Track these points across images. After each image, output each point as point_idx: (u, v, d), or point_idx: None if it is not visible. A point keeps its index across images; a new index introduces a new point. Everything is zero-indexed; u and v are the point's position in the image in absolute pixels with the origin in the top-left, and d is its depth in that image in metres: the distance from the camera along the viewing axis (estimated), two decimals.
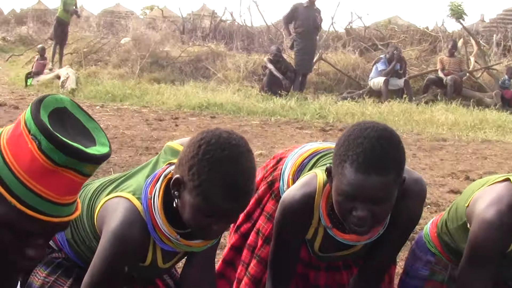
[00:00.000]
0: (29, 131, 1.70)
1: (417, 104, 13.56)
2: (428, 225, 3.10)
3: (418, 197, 2.68)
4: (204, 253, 2.56)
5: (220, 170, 2.10)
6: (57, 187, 1.73)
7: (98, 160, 1.77)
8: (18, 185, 1.70)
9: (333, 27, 23.24)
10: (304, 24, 14.68)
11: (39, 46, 17.55)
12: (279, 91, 14.03)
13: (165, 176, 2.34)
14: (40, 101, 1.75)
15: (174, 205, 2.26)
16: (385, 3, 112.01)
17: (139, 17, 38.60)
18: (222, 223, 2.23)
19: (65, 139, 1.69)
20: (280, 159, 3.13)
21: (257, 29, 25.04)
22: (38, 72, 15.83)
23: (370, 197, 2.34)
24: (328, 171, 2.48)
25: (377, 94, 14.99)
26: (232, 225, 3.20)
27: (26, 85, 15.30)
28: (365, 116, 11.93)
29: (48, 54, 18.02)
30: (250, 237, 3.08)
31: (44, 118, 1.72)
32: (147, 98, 13.46)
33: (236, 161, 2.12)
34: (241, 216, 3.10)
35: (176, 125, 10.64)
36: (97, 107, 12.29)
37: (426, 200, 6.32)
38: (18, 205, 1.69)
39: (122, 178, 2.50)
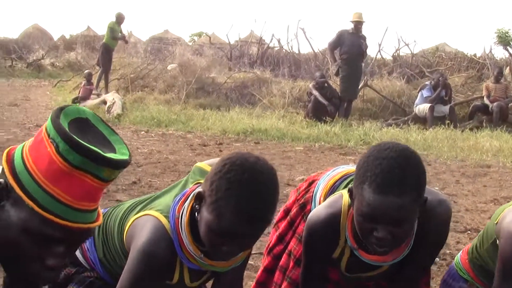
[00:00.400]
0: (48, 135, 1.77)
1: (462, 131, 13.44)
2: (459, 253, 3.08)
3: (443, 218, 2.67)
4: (232, 274, 2.57)
5: (237, 191, 2.11)
6: (74, 190, 1.78)
7: (114, 164, 1.81)
8: (37, 188, 1.76)
9: (380, 54, 23.22)
10: (350, 50, 14.64)
11: (86, 71, 17.87)
12: (324, 118, 14.02)
13: (194, 196, 2.35)
14: (61, 109, 1.82)
15: (196, 218, 2.28)
16: (433, 30, 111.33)
17: (188, 43, 39.01)
18: (233, 246, 2.23)
19: (81, 141, 1.74)
20: (313, 182, 3.14)
21: (304, 56, 25.10)
22: (85, 97, 16.13)
23: (389, 218, 2.33)
24: (350, 192, 2.50)
25: (422, 121, 14.88)
26: (265, 247, 3.22)
27: None
28: (409, 142, 11.82)
29: (95, 79, 18.32)
30: (282, 258, 3.09)
31: (64, 123, 1.77)
32: (192, 123, 13.55)
33: (255, 186, 2.13)
34: (274, 238, 3.13)
35: (220, 151, 10.68)
36: (142, 132, 12.42)
37: (466, 226, 6.29)
38: (36, 208, 1.75)
39: (152, 198, 2.55)
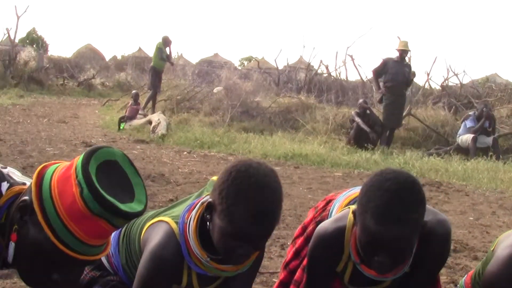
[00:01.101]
0: (76, 177, 1.97)
1: (505, 163, 13.31)
2: (464, 277, 3.16)
3: (443, 238, 2.76)
4: (242, 281, 2.70)
5: (246, 195, 2.28)
6: (89, 231, 2.01)
7: (129, 216, 2.03)
8: (57, 220, 1.98)
9: (429, 83, 23.20)
10: (394, 78, 14.64)
11: (133, 92, 18.24)
12: (366, 145, 14.07)
13: (202, 204, 2.53)
14: (93, 152, 2.04)
15: (208, 227, 2.44)
16: (484, 60, 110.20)
17: (237, 67, 39.36)
18: (247, 248, 2.37)
19: (104, 193, 1.95)
20: (330, 201, 3.25)
21: (352, 83, 25.18)
22: (131, 117, 16.44)
23: (390, 248, 2.46)
24: (354, 214, 2.62)
25: (465, 151, 14.82)
26: (283, 262, 3.33)
27: (119, 129, 15.88)
28: (448, 172, 11.83)
29: (142, 100, 18.66)
30: (297, 273, 3.20)
31: (92, 169, 1.98)
32: (234, 146, 13.70)
33: (262, 188, 2.30)
34: (291, 253, 3.25)
35: None
36: (185, 152, 12.62)
37: None
38: (52, 238, 1.98)
39: (169, 206, 2.74)
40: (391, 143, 15.21)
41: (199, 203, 2.56)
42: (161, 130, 14.66)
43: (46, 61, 30.42)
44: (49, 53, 36.67)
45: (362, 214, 2.50)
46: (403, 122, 16.26)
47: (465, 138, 14.99)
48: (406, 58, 15.68)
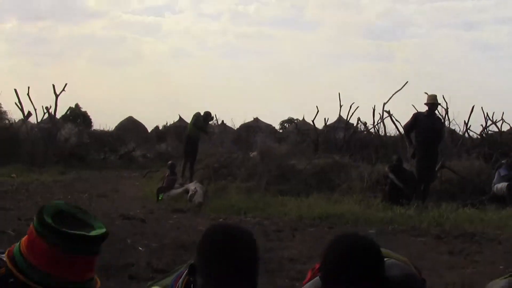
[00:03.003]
0: (39, 234, 2.26)
1: None
2: None
3: None
4: None
5: (218, 251, 2.43)
6: (76, 270, 2.26)
7: (100, 241, 2.34)
8: (47, 278, 2.26)
9: (468, 133, 23.21)
10: (425, 133, 14.73)
11: (169, 162, 18.54)
12: (401, 200, 14.12)
13: (188, 269, 2.70)
14: (41, 210, 2.37)
15: None
16: None
17: (278, 130, 39.66)
18: None
19: (71, 231, 2.27)
20: None
21: (391, 139, 25.23)
22: (169, 187, 16.72)
23: None
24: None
25: (501, 200, 14.75)
26: None
27: (158, 200, 16.15)
28: (483, 222, 11.86)
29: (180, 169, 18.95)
30: None
31: (48, 220, 2.27)
32: (270, 210, 13.87)
33: (231, 242, 2.45)
34: None
35: (293, 236, 10.94)
36: (220, 219, 12.75)
37: None
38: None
39: (164, 276, 2.99)
40: (427, 197, 15.16)
41: (185, 272, 2.74)
42: (198, 198, 14.93)
43: (87, 136, 31.04)
44: (93, 127, 37.37)
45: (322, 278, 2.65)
46: (438, 174, 16.27)
47: (500, 186, 14.95)
48: (437, 112, 15.76)
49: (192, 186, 15.98)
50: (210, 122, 22.86)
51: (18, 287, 2.26)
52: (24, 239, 2.37)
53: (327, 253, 2.63)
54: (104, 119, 49.84)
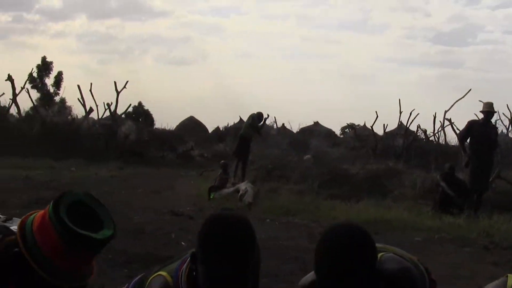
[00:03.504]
0: (53, 224, 2.43)
1: None
2: None
3: (407, 286, 2.88)
4: None
5: (214, 239, 2.53)
6: (76, 263, 2.39)
7: (104, 243, 2.47)
8: (47, 262, 2.42)
9: None
10: (479, 141, 14.50)
11: (222, 162, 18.75)
12: (451, 209, 13.96)
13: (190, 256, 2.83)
14: (59, 198, 2.48)
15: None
16: None
17: (338, 135, 39.52)
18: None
19: (79, 230, 2.37)
20: None
21: (453, 148, 24.94)
22: (221, 186, 16.89)
23: None
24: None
25: None
26: None
27: (209, 198, 16.33)
28: None
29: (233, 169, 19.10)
30: None
31: (63, 212, 2.39)
32: (319, 213, 13.86)
33: (227, 230, 2.55)
34: None
35: None
36: (268, 220, 12.85)
37: None
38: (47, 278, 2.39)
39: (169, 261, 3.11)
40: (480, 207, 14.88)
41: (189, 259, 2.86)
42: (248, 198, 15.04)
43: (147, 134, 31.46)
44: (155, 126, 37.89)
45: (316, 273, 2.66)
46: (493, 185, 16.00)
47: None
48: (493, 120, 15.54)
49: (243, 186, 16.11)
50: (267, 123, 22.89)
51: (20, 258, 2.40)
52: (38, 215, 2.51)
53: (318, 244, 2.63)
54: (166, 118, 50.50)
